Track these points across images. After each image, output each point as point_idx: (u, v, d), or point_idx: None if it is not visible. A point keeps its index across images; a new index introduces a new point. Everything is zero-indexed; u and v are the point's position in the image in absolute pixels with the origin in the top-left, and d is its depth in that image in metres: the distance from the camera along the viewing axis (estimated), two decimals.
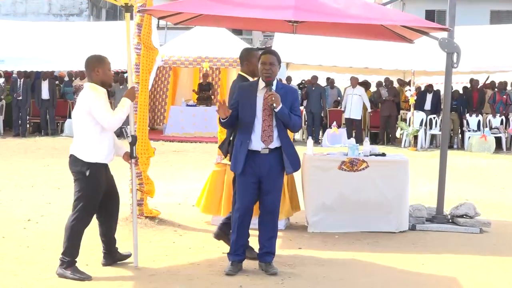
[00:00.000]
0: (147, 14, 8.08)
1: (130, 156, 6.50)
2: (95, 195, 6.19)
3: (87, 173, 6.10)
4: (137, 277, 6.09)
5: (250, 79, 6.85)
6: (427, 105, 19.35)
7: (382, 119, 19.60)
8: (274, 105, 6.09)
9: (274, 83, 6.25)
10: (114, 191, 6.45)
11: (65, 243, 6.15)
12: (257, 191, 6.24)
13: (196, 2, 7.53)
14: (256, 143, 6.18)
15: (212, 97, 19.96)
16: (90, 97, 6.15)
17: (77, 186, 6.18)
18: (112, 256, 6.50)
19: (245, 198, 6.25)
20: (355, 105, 19.39)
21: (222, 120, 6.30)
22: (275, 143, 6.19)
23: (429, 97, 19.44)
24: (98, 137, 6.15)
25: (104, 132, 6.16)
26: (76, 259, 6.12)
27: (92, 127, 6.12)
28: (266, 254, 6.30)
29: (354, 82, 19.61)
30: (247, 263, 6.43)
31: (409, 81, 19.61)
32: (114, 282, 5.93)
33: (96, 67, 6.32)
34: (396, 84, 20.78)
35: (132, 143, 6.41)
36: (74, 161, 6.16)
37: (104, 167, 6.28)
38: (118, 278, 6.04)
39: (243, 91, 6.37)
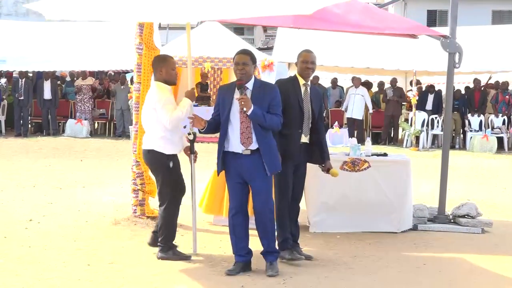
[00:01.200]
0: None
1: (190, 151, 6.75)
2: (178, 182, 6.73)
3: (171, 165, 6.64)
4: (138, 277, 6.09)
5: (301, 80, 6.79)
6: (429, 105, 19.36)
7: (386, 119, 19.60)
8: (245, 109, 6.05)
9: (252, 81, 6.21)
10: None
11: (162, 231, 6.70)
12: (246, 191, 6.24)
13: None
14: (236, 145, 6.15)
15: (211, 99, 19.98)
16: (155, 96, 6.58)
17: (160, 178, 6.70)
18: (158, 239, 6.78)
19: (233, 198, 6.28)
20: (357, 105, 19.41)
21: (200, 131, 6.41)
22: (255, 145, 6.13)
23: (430, 97, 19.45)
24: (172, 131, 6.59)
25: (172, 129, 6.59)
26: (173, 242, 6.76)
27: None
28: (267, 253, 6.28)
29: (357, 82, 19.64)
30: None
31: (411, 81, 19.61)
32: (115, 282, 5.93)
33: (160, 66, 6.71)
34: (400, 84, 20.78)
35: (193, 140, 6.68)
36: (155, 155, 6.63)
37: (176, 157, 6.73)
38: (119, 278, 6.04)
39: (222, 93, 6.36)
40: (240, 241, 6.28)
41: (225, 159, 6.23)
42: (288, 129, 6.51)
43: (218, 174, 6.44)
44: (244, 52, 6.30)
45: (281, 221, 6.68)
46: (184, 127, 6.78)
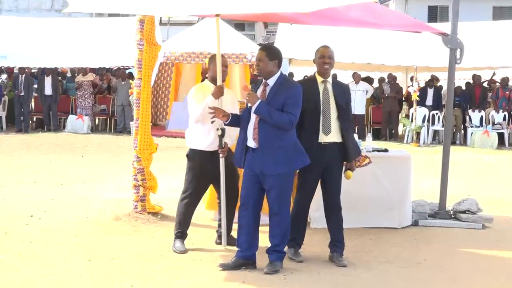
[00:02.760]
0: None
1: (218, 146, 6.68)
2: (193, 177, 6.88)
3: (188, 157, 6.94)
4: (139, 273, 6.09)
5: (319, 78, 6.57)
6: (429, 101, 19.31)
7: (385, 115, 19.60)
8: (249, 104, 6.08)
9: (274, 78, 6.16)
10: (229, 177, 6.77)
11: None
12: (258, 186, 6.19)
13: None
14: (250, 140, 6.17)
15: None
16: (189, 93, 6.89)
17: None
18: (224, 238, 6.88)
19: (244, 191, 6.27)
20: (358, 101, 19.40)
21: (225, 123, 6.41)
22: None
23: (430, 92, 19.39)
24: (193, 127, 6.86)
25: (200, 124, 6.76)
26: (182, 232, 6.94)
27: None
28: (272, 252, 6.22)
29: (358, 78, 19.62)
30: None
31: (411, 77, 19.59)
32: (116, 278, 5.93)
33: (209, 65, 6.90)
34: (401, 80, 20.75)
35: (222, 135, 6.62)
36: None
37: (204, 154, 6.81)
38: (120, 274, 6.04)
39: (253, 88, 6.38)
40: (240, 235, 6.26)
41: (246, 153, 6.24)
42: (306, 130, 6.39)
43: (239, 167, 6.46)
44: (261, 48, 6.33)
45: (295, 221, 6.53)
46: (212, 122, 6.73)
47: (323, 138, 6.46)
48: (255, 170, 6.15)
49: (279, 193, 6.12)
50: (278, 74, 6.21)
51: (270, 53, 6.22)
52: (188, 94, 6.94)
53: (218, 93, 6.57)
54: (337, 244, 6.67)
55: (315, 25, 9.17)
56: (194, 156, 6.86)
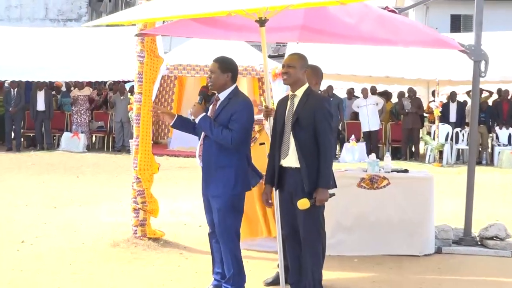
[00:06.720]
0: (150, 23, 8.11)
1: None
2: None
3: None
4: None
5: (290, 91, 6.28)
6: (452, 117, 19.26)
7: (405, 132, 19.56)
8: (192, 117, 6.10)
9: (226, 92, 6.06)
10: None
11: None
12: (210, 208, 6.22)
13: (196, 26, 7.67)
14: (197, 158, 6.25)
15: None
16: None
17: None
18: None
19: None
20: (371, 115, 19.39)
21: (171, 125, 6.40)
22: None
23: (453, 107, 19.32)
24: None
25: None
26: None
27: None
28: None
29: (365, 92, 19.63)
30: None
31: (433, 92, 19.55)
32: None
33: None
34: (422, 94, 20.68)
35: None
36: None
37: None
38: None
39: None
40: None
41: None
42: (270, 152, 6.16)
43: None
44: (215, 59, 6.17)
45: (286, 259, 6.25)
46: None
47: (281, 162, 6.03)
48: (203, 190, 6.20)
49: (222, 218, 6.01)
50: (231, 88, 6.11)
51: (223, 65, 6.10)
52: None
53: (265, 114, 6.53)
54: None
55: (326, 43, 9.24)
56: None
